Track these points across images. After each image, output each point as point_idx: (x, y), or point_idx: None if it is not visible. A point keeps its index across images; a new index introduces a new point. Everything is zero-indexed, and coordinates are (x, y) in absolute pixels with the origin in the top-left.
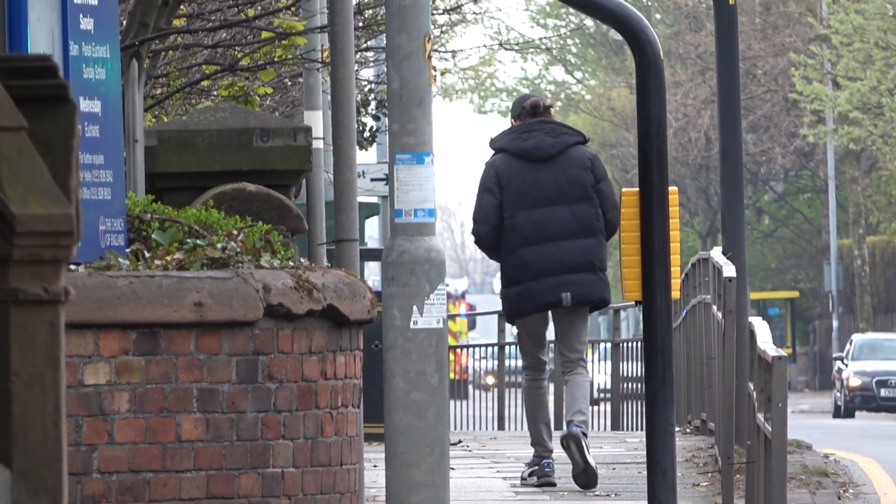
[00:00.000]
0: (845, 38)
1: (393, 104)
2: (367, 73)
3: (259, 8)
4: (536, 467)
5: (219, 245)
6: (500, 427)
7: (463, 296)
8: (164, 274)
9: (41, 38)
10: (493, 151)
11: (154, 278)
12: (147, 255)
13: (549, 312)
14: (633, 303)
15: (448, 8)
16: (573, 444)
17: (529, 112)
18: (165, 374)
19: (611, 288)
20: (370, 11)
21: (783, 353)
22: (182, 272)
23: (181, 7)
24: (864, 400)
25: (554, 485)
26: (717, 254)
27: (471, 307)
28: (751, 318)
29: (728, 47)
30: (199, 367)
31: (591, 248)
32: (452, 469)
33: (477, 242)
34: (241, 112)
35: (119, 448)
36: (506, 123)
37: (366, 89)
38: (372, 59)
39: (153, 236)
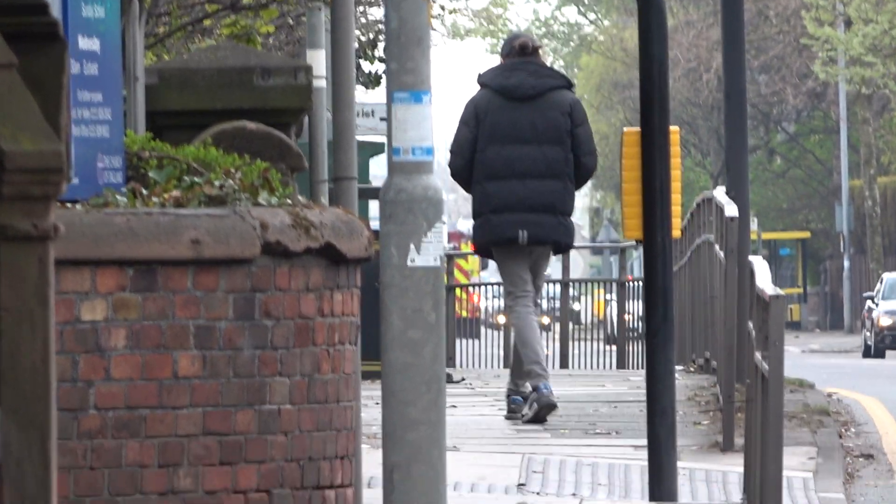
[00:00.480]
0: None
1: (391, 43)
2: (378, 13)
3: None
4: (534, 392)
5: (216, 183)
6: (507, 365)
7: None
8: (161, 211)
9: None
10: (479, 87)
11: (151, 216)
12: (144, 192)
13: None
14: (634, 242)
15: None
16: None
17: (518, 52)
18: (162, 310)
19: (573, 232)
20: None
21: (780, 291)
22: (179, 209)
23: None
24: (895, 340)
25: (555, 406)
26: (720, 194)
27: None
28: (751, 258)
29: None
30: (196, 303)
31: (555, 191)
32: (454, 406)
33: (452, 174)
34: (241, 51)
35: (116, 384)
36: None
37: (375, 29)
38: None
39: (150, 174)
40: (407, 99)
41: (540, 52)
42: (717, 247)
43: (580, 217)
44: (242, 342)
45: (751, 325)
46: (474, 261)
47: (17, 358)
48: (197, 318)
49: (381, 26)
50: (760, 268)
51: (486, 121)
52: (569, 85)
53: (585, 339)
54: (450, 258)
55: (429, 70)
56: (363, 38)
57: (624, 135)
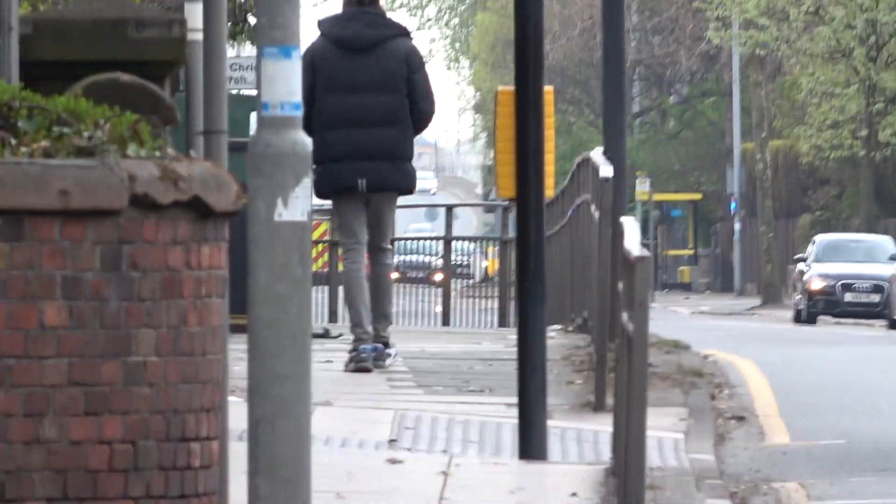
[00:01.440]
0: None
1: None
2: None
3: None
4: (354, 352)
5: (86, 134)
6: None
7: None
8: (29, 161)
9: None
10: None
11: (20, 165)
12: (14, 142)
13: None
14: (507, 200)
15: None
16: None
17: (356, 2)
18: (29, 260)
19: (414, 177)
20: None
21: (647, 252)
22: (48, 160)
23: None
24: (828, 304)
25: (369, 370)
26: (596, 154)
27: None
28: (622, 218)
29: None
30: (63, 254)
31: (391, 138)
32: (331, 361)
33: None
34: (117, 2)
35: None
36: (413, 20)
37: None
38: None
39: (20, 124)
40: (276, 54)
41: (379, 1)
42: (593, 207)
43: (474, 174)
44: (109, 293)
45: (620, 285)
46: None
47: None
48: (64, 268)
49: None
50: (630, 228)
51: (322, 70)
52: (406, 34)
53: (474, 297)
54: None
55: (298, 25)
56: None
57: (498, 94)
